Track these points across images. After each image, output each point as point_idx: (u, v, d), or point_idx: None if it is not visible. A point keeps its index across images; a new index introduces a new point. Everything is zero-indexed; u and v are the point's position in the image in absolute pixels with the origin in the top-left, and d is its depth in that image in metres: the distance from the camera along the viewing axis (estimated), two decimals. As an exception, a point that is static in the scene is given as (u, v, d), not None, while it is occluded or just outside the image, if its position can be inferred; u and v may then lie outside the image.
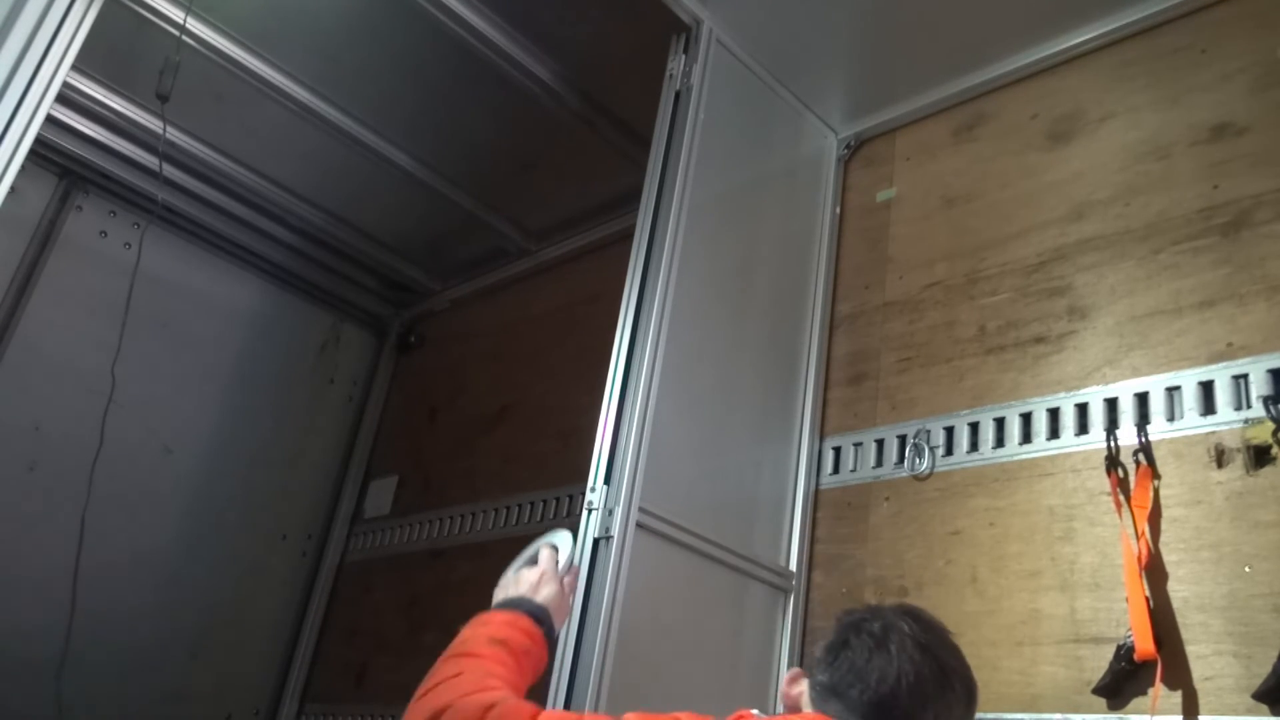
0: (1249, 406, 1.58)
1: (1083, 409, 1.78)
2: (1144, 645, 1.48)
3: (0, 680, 2.60)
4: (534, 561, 1.37)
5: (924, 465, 1.95)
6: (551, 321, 3.05)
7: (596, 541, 1.74)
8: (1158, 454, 1.64)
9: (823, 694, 1.13)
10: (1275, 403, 1.54)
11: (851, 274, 2.32)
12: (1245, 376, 1.60)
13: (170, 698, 2.98)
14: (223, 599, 3.12)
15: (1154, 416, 1.68)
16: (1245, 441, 1.56)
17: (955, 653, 1.15)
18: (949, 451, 1.94)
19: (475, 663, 1.14)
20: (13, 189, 1.35)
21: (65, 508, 2.60)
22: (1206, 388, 1.64)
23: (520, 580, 1.32)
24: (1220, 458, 1.58)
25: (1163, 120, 1.90)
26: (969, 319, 2.02)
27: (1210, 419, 1.62)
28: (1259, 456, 1.54)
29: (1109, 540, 1.65)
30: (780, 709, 1.22)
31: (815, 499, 2.12)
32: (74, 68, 1.48)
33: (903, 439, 2.02)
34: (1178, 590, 1.54)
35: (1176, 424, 1.65)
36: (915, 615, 1.16)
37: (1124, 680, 1.53)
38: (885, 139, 2.41)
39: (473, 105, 2.65)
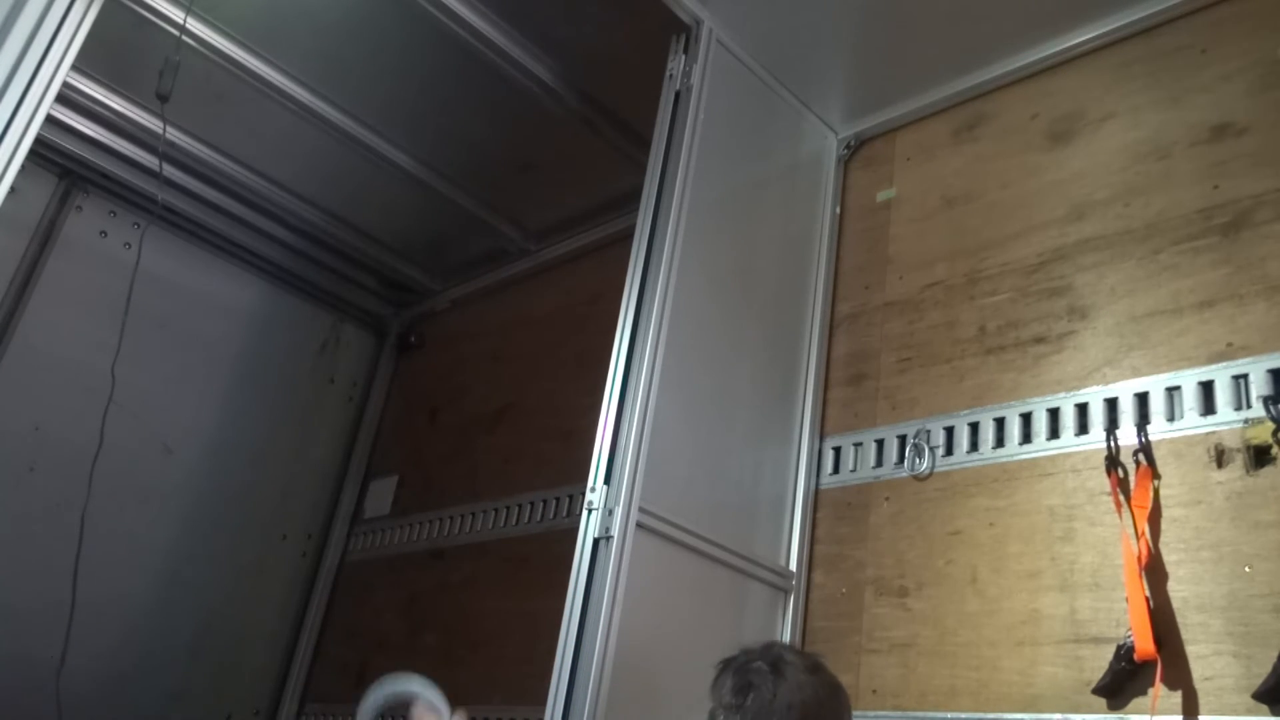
0: (1249, 406, 1.58)
1: (1083, 409, 1.78)
2: (1144, 645, 1.48)
3: (0, 680, 2.60)
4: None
5: (924, 465, 1.95)
6: (551, 321, 3.05)
7: (596, 541, 1.75)
8: (1158, 454, 1.64)
9: None
10: (1275, 403, 1.54)
11: (851, 274, 2.32)
12: (1245, 376, 1.60)
13: (170, 698, 2.98)
14: (223, 599, 3.11)
15: (1154, 416, 1.68)
16: (1245, 441, 1.56)
17: (826, 666, 1.30)
18: (949, 451, 1.94)
19: None
20: (13, 189, 1.35)
21: (65, 508, 2.60)
22: (1206, 388, 1.64)
23: None
24: (1220, 458, 1.58)
25: (1163, 120, 1.90)
26: (969, 319, 2.02)
27: (1210, 419, 1.62)
28: (1259, 456, 1.54)
29: (1109, 540, 1.65)
30: None
31: (815, 499, 2.12)
32: (74, 68, 1.48)
33: (903, 439, 2.02)
34: (1178, 590, 1.54)
35: (1176, 424, 1.66)
36: (786, 645, 1.32)
37: (1124, 680, 1.53)
38: (885, 139, 2.40)
39: (473, 105, 2.65)
